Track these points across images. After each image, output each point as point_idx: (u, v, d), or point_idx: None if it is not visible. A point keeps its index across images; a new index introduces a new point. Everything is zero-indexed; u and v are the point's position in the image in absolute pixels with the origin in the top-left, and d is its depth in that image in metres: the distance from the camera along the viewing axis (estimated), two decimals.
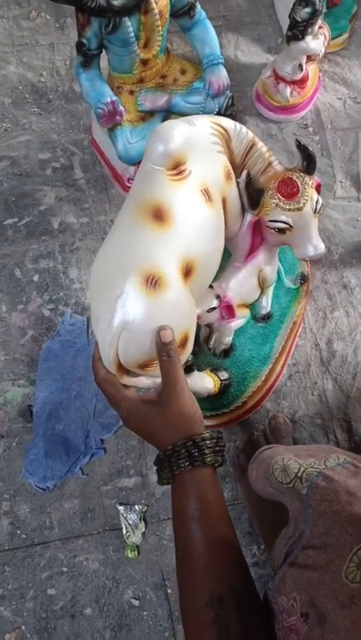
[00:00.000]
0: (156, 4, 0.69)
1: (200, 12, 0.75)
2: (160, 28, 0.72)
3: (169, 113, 0.81)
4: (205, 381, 0.64)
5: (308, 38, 0.79)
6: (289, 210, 0.54)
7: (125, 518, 0.69)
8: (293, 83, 0.85)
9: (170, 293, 0.45)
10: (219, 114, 0.81)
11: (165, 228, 0.47)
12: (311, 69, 0.86)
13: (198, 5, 0.74)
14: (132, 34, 0.70)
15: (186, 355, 0.51)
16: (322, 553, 0.38)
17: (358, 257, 0.78)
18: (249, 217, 0.58)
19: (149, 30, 0.71)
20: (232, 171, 0.55)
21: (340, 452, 0.46)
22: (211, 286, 0.62)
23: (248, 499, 0.68)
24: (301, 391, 0.73)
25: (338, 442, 0.71)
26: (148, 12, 0.69)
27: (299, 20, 0.77)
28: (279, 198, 0.55)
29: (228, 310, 0.64)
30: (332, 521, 0.39)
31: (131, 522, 0.69)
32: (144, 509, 0.70)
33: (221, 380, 0.66)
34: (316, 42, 0.81)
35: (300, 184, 0.54)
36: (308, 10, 0.75)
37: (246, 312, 0.68)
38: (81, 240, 0.82)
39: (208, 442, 0.45)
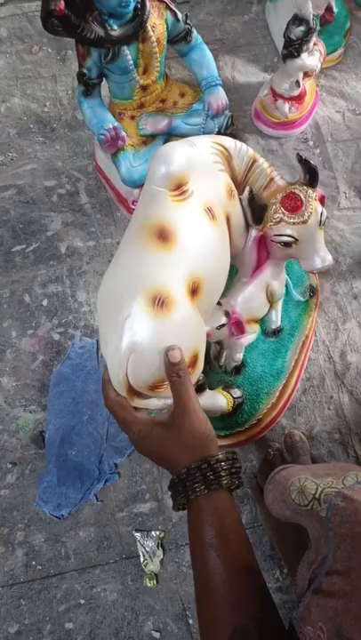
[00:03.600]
0: (154, 31, 0.71)
1: (196, 37, 0.77)
2: (158, 54, 0.73)
3: (170, 135, 0.82)
4: (218, 400, 0.63)
5: (304, 55, 0.81)
6: (294, 223, 0.54)
7: (142, 545, 0.67)
8: (291, 99, 0.86)
9: (177, 313, 0.45)
10: (219, 133, 0.81)
11: (170, 248, 0.47)
12: (308, 85, 0.88)
13: (194, 31, 0.76)
14: (131, 62, 0.71)
15: (197, 374, 0.50)
16: (346, 578, 0.36)
17: None
18: (254, 232, 0.58)
19: (148, 57, 0.73)
20: (234, 188, 0.55)
21: (358, 470, 0.44)
22: (219, 303, 0.62)
23: (268, 521, 0.65)
24: (317, 406, 0.72)
25: (358, 457, 0.69)
26: (145, 40, 0.71)
27: (294, 38, 0.78)
28: (283, 212, 0.55)
29: (238, 326, 0.63)
30: (355, 544, 0.37)
31: (148, 549, 0.67)
32: (161, 535, 0.68)
33: (234, 398, 0.65)
34: (312, 58, 0.82)
35: (303, 197, 0.54)
36: (302, 28, 0.77)
37: (256, 327, 0.67)
38: (88, 263, 0.83)
39: (223, 464, 0.43)
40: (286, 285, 0.68)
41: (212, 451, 0.44)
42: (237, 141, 0.55)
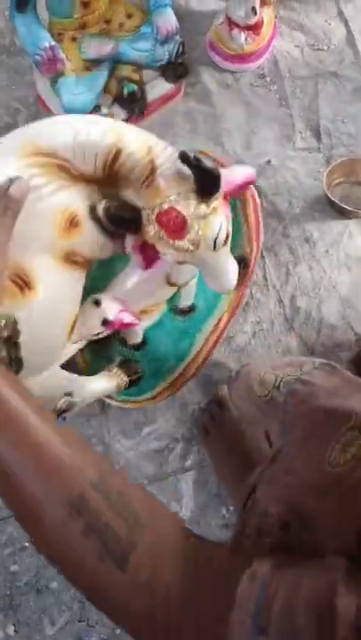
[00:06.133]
0: None
1: None
2: None
3: (117, 63, 0.76)
4: (103, 385, 0.53)
5: None
6: (176, 249, 0.40)
7: None
8: (248, 28, 0.80)
9: None
10: (170, 62, 0.76)
11: None
12: (266, 14, 0.82)
13: None
14: None
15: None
16: (299, 459, 0.36)
17: (320, 209, 0.76)
18: (131, 240, 0.42)
19: None
20: (78, 213, 0.37)
21: (316, 359, 0.44)
22: (97, 302, 0.46)
23: (215, 460, 0.66)
24: (265, 349, 0.71)
25: None
26: None
27: None
28: (161, 233, 0.39)
29: (127, 326, 0.48)
30: (312, 419, 0.36)
31: None
32: None
33: (129, 378, 0.56)
34: None
35: (187, 216, 0.37)
36: None
37: (160, 309, 0.57)
38: None
39: None
40: None
41: None
42: (80, 130, 0.35)
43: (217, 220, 0.38)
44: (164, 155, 0.38)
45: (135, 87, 0.77)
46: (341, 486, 0.31)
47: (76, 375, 0.50)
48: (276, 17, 0.86)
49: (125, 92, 0.76)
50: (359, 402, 0.35)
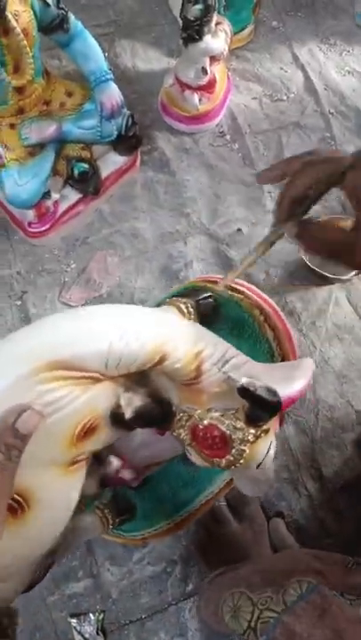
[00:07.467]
0: (17, 21, 0.58)
1: (75, 23, 0.64)
2: (29, 48, 0.60)
3: (63, 143, 0.70)
4: (86, 524, 0.46)
5: (207, 37, 0.70)
6: (208, 462, 0.33)
7: (80, 632, 0.58)
8: (200, 88, 0.75)
9: None
10: (120, 136, 0.70)
11: None
12: (218, 70, 0.77)
13: (72, 16, 0.63)
14: None
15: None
16: None
17: (300, 277, 0.69)
18: None
19: (16, 53, 0.60)
20: (97, 418, 0.30)
21: (302, 567, 0.36)
22: (98, 458, 0.38)
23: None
24: None
25: (310, 494, 0.62)
26: (8, 33, 0.58)
27: (191, 18, 0.67)
28: (194, 444, 0.33)
29: (126, 482, 0.43)
30: None
31: (87, 635, 0.58)
32: (100, 617, 0.59)
33: (119, 518, 0.49)
34: (217, 40, 0.71)
35: (231, 438, 0.30)
36: (199, 6, 0.66)
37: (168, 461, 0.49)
38: None
39: None
40: None
41: None
42: (118, 337, 0.28)
43: (267, 442, 0.32)
44: (213, 359, 0.31)
45: (86, 166, 0.71)
46: None
47: None
48: (228, 69, 0.81)
49: (76, 172, 0.71)
50: None
